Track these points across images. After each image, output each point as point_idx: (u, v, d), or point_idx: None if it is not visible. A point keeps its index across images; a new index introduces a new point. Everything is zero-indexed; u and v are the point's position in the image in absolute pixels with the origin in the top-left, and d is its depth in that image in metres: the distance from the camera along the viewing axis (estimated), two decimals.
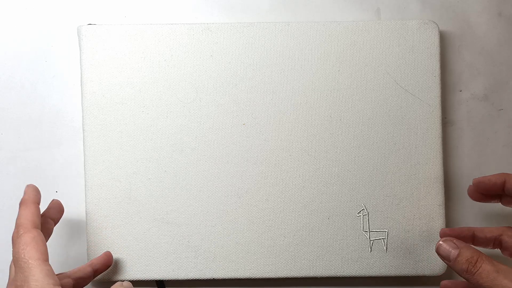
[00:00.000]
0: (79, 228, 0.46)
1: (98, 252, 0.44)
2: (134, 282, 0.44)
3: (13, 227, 0.36)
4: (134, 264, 0.44)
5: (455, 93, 0.47)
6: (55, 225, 0.42)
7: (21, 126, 0.46)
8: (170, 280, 0.45)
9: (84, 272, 0.41)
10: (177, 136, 0.44)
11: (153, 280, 0.45)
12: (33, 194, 0.39)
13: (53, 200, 0.42)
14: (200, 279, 0.44)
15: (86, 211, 0.44)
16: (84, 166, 0.44)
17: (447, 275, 0.45)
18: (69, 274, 0.40)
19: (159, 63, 0.44)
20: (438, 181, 0.44)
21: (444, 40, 0.47)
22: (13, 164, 0.46)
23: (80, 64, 0.44)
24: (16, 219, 0.37)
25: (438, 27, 0.44)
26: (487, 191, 0.41)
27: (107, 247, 0.44)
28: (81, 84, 0.44)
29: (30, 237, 0.35)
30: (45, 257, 0.35)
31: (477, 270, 0.35)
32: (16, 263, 0.35)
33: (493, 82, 0.47)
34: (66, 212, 0.43)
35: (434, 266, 0.44)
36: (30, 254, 0.34)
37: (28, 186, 0.40)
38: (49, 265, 0.35)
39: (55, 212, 0.42)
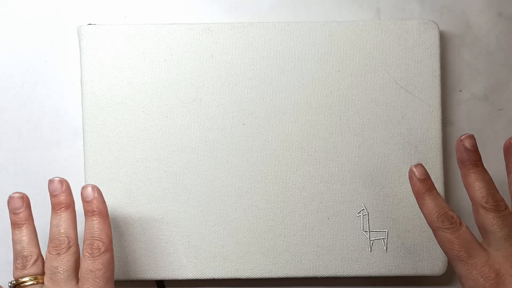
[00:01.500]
0: (79, 228, 0.46)
1: None
2: (134, 282, 0.45)
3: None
4: (134, 264, 0.44)
5: (455, 93, 0.47)
6: None
7: (21, 126, 0.46)
8: (170, 280, 0.45)
9: None
10: (177, 136, 0.44)
11: (153, 280, 0.45)
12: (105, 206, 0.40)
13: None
14: (200, 279, 0.44)
15: None
16: (84, 166, 0.44)
17: (447, 275, 0.45)
18: None
19: (159, 63, 0.44)
20: (438, 181, 0.44)
21: (444, 40, 0.47)
22: (13, 164, 0.46)
23: (80, 64, 0.44)
24: (96, 228, 0.39)
25: (438, 27, 0.44)
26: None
27: None
28: (81, 84, 0.44)
29: (110, 257, 0.38)
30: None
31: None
32: (86, 274, 0.37)
33: (493, 82, 0.47)
34: None
35: (434, 266, 0.44)
36: (105, 275, 0.37)
37: (97, 190, 0.40)
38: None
39: None
